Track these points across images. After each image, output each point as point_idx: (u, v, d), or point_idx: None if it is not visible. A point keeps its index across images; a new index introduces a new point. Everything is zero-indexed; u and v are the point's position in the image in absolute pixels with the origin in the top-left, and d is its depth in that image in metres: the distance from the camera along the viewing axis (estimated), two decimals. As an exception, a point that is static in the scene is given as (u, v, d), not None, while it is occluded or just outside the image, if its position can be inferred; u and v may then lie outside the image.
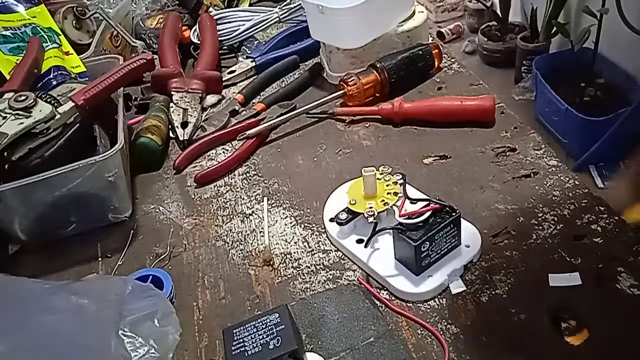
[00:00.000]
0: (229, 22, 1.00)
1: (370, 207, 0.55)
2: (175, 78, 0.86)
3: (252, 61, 0.94)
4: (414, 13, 0.86)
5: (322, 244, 0.60)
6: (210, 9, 1.06)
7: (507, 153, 0.67)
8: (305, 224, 0.63)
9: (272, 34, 1.00)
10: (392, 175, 0.58)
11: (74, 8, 0.93)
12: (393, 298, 0.53)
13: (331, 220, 0.60)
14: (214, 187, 0.71)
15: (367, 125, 0.77)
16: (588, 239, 0.54)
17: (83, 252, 0.64)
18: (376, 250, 0.56)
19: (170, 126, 0.81)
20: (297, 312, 0.52)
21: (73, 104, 0.66)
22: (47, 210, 0.62)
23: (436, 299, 0.52)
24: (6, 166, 0.61)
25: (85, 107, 0.67)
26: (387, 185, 0.57)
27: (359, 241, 0.57)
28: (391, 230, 0.53)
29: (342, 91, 0.79)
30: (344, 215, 0.57)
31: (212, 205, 0.68)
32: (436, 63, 0.83)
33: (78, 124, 0.67)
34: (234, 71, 0.93)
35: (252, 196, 0.69)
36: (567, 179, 0.62)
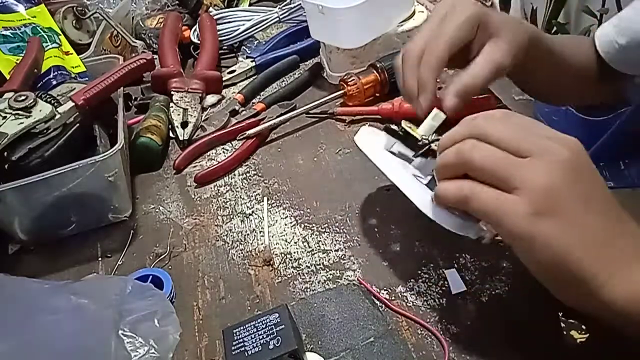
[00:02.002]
0: (229, 22, 1.00)
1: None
2: (175, 78, 0.86)
3: (252, 61, 0.94)
4: (414, 13, 0.86)
5: (322, 244, 0.60)
6: (210, 9, 1.06)
7: (507, 153, 0.66)
8: (305, 224, 0.63)
9: (272, 34, 1.00)
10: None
11: (74, 8, 0.93)
12: (393, 298, 0.53)
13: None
14: (214, 187, 0.71)
15: (367, 125, 0.77)
16: (588, 239, 0.54)
17: (83, 252, 0.64)
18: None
19: (170, 126, 0.81)
20: (297, 312, 0.52)
21: (73, 104, 0.66)
22: (47, 210, 0.62)
23: (436, 299, 0.52)
24: (6, 166, 0.61)
25: (85, 107, 0.67)
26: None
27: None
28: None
29: (342, 91, 0.79)
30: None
31: (212, 205, 0.68)
32: (436, 63, 0.83)
33: (78, 124, 0.67)
34: (234, 71, 0.93)
35: (252, 196, 0.69)
36: (567, 179, 0.61)
